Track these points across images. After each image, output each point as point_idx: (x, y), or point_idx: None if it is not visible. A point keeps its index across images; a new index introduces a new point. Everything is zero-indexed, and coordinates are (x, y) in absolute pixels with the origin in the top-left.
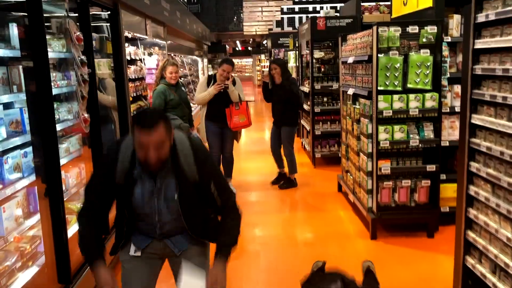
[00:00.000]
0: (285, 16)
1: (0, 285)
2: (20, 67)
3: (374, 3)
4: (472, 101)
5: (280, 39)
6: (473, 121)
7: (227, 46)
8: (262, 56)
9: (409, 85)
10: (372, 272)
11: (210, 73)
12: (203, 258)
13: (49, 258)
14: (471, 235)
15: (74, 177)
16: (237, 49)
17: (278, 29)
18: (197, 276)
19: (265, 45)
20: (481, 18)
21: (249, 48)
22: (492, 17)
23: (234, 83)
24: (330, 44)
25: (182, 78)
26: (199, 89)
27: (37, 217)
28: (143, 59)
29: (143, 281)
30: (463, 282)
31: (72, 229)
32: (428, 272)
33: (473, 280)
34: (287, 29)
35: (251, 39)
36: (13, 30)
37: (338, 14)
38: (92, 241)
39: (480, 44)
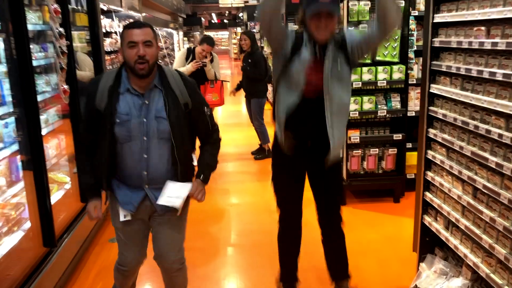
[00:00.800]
0: None
1: None
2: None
3: None
4: (431, 72)
5: (256, 11)
6: (431, 90)
7: (202, 18)
8: (238, 29)
9: (377, 58)
10: None
11: (189, 46)
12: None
13: (34, 223)
14: (429, 195)
15: (54, 148)
16: (213, 21)
17: (254, 2)
18: (181, 185)
19: (241, 18)
20: None
21: (225, 21)
22: None
23: (211, 60)
24: None
25: None
26: (177, 62)
27: (20, 185)
28: (118, 31)
29: (139, 244)
30: (421, 238)
31: (55, 196)
32: (392, 233)
33: (429, 236)
34: None
35: (227, 12)
36: None
37: None
38: (88, 178)
39: (438, 18)
